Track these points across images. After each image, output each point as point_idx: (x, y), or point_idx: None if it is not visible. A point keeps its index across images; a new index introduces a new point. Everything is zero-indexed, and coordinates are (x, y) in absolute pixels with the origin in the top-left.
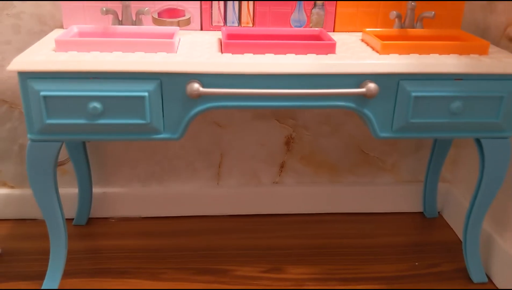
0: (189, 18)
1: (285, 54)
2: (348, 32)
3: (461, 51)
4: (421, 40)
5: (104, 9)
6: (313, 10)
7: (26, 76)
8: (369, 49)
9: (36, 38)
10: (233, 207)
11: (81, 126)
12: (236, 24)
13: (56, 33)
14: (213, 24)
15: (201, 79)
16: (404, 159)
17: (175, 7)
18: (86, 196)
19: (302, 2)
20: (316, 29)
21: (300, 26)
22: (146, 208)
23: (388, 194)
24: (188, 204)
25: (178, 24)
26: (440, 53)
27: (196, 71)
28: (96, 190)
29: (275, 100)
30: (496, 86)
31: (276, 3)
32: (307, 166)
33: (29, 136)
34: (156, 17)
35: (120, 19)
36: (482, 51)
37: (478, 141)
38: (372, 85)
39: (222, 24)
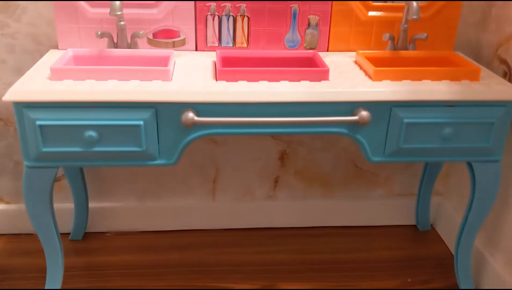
0: (184, 38)
1: (278, 81)
2: (342, 51)
3: (453, 77)
4: (413, 63)
5: (99, 32)
6: (307, 30)
7: (21, 106)
8: (362, 74)
9: (31, 57)
10: (228, 221)
11: (77, 153)
12: (231, 45)
13: (52, 55)
14: (208, 45)
15: (196, 108)
16: (397, 173)
17: (170, 28)
18: (82, 210)
19: (296, 22)
20: (310, 51)
21: (294, 46)
22: (143, 222)
23: (381, 208)
24: (184, 219)
25: (173, 45)
26: (432, 79)
27: (191, 101)
28: (92, 204)
29: (269, 127)
30: (487, 112)
31: (271, 24)
32: (301, 180)
33: (25, 163)
34: (151, 38)
35: (115, 41)
36: (474, 77)
37: (469, 164)
38: (364, 113)
39: (217, 45)
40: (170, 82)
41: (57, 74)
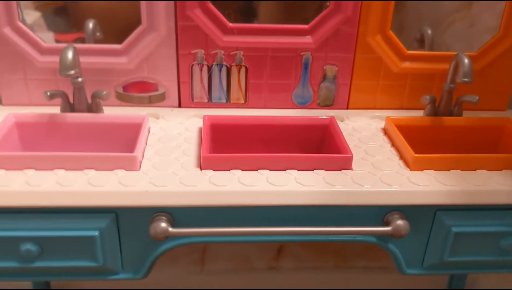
0: (164, 93)
1: (284, 170)
2: (365, 109)
3: None
4: (459, 134)
5: (49, 93)
6: (322, 84)
7: None
8: (395, 157)
9: None
10: None
11: (13, 269)
12: (224, 101)
13: None
14: (195, 101)
15: (171, 212)
16: None
17: (145, 80)
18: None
19: (308, 74)
20: (325, 116)
21: (304, 103)
22: None
23: (406, 281)
24: None
25: (150, 100)
26: (489, 169)
27: (164, 205)
28: (56, 282)
29: (270, 236)
30: None
31: (275, 76)
32: (311, 248)
33: None
34: (121, 92)
35: (72, 102)
36: None
37: None
38: (401, 224)
39: (206, 101)
40: (137, 172)
41: None
